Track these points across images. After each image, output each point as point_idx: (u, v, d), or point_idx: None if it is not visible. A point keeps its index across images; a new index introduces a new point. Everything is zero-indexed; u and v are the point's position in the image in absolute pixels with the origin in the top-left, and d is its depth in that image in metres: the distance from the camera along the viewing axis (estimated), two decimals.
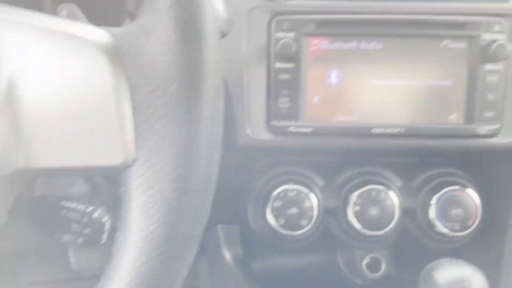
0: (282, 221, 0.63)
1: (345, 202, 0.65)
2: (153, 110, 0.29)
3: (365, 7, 0.59)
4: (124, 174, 0.30)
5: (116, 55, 0.30)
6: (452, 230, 0.63)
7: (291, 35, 0.59)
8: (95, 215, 0.38)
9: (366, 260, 0.79)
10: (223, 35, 0.43)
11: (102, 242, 0.39)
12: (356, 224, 0.64)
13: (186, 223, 0.30)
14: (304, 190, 0.64)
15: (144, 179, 0.30)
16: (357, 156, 0.69)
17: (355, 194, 0.64)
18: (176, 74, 0.29)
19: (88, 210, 0.38)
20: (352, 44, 0.59)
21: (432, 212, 0.64)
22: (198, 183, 0.31)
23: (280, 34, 0.59)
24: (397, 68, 0.60)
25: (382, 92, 0.60)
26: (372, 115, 0.61)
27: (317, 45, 0.59)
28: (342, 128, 0.60)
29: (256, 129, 0.61)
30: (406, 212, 0.66)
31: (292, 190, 0.64)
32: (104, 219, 0.39)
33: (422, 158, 0.69)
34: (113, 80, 0.29)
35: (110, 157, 0.30)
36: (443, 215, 0.63)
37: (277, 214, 0.64)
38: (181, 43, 0.29)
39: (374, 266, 0.78)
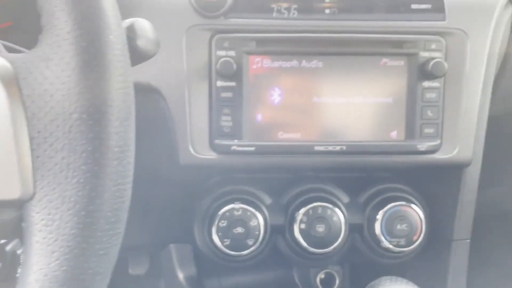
0: (227, 241, 0.62)
1: (292, 220, 0.64)
2: (53, 141, 0.28)
3: (305, 26, 0.59)
4: (25, 208, 0.29)
5: (13, 83, 0.28)
6: (398, 245, 0.64)
7: (232, 53, 0.58)
8: (9, 247, 0.36)
9: (320, 276, 0.79)
10: (150, 55, 0.42)
11: (17, 275, 0.37)
12: (302, 242, 0.63)
13: (91, 259, 0.29)
14: (251, 209, 0.63)
15: (44, 213, 0.28)
16: (303, 173, 0.69)
17: (301, 211, 0.63)
18: (77, 103, 0.28)
19: (0, 242, 0.36)
20: (293, 63, 0.59)
21: (378, 228, 0.64)
22: (104, 217, 0.29)
23: (221, 53, 0.58)
24: (338, 86, 0.60)
25: (324, 110, 0.60)
26: (314, 132, 0.60)
27: (258, 63, 0.59)
28: (285, 146, 0.60)
29: (199, 148, 0.60)
30: (353, 228, 0.66)
31: (238, 209, 0.63)
32: (19, 251, 0.37)
33: (368, 174, 0.69)
34: (9, 109, 0.28)
35: (6, 191, 0.28)
36: (389, 230, 0.64)
37: (223, 234, 0.62)
38: (81, 70, 0.28)
39: (328, 281, 0.78)
